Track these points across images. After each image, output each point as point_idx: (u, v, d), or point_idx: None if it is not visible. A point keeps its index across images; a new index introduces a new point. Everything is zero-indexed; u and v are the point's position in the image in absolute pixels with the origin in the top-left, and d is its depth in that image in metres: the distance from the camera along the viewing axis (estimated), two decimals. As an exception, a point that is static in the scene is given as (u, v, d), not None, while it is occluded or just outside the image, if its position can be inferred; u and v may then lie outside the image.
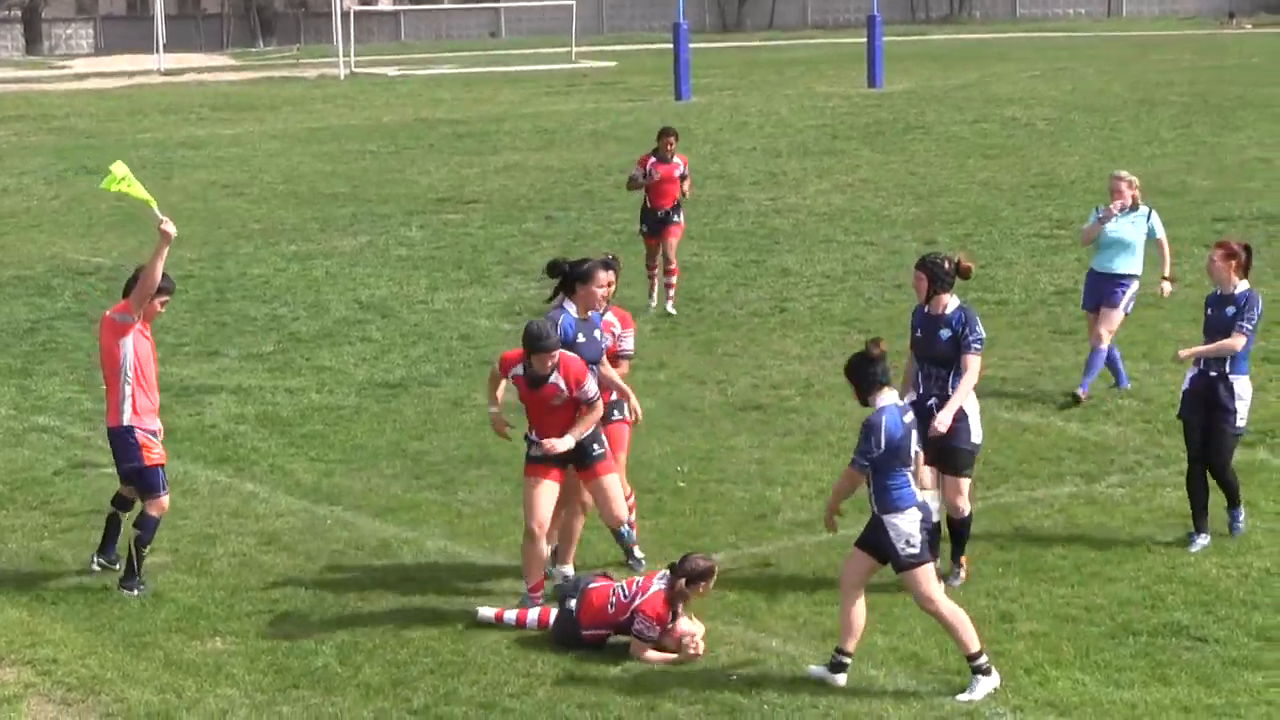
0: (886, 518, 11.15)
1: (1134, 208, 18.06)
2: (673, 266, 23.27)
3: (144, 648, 12.19)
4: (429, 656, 11.89)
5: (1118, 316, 18.18)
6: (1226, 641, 11.69)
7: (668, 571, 12.07)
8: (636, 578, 12.35)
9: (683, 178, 23.35)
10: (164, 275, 13.51)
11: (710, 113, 50.13)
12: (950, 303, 13.04)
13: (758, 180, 35.60)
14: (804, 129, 45.03)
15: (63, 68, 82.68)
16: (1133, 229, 18.09)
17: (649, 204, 23.30)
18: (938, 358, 13.00)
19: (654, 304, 23.10)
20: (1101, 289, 18.18)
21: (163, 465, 13.38)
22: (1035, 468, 15.82)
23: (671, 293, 23.09)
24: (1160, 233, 18.21)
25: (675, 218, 23.24)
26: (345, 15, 76.25)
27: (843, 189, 33.97)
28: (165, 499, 13.37)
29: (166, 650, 12.14)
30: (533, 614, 12.41)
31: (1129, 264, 18.14)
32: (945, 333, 12.99)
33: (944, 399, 12.92)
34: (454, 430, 17.62)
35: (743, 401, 18.32)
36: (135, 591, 13.11)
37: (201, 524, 14.85)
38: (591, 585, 12.18)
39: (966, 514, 13.07)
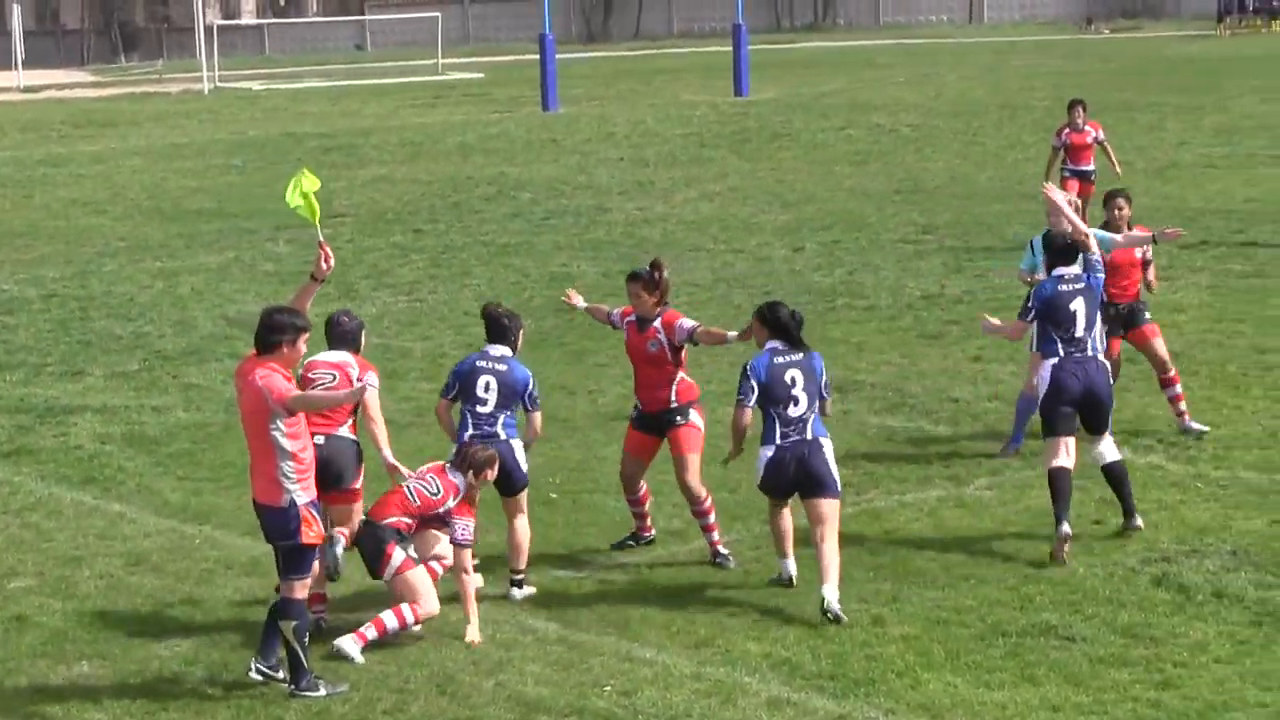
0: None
1: None
2: None
3: (8, 674, 12.00)
4: (301, 675, 11.78)
5: None
6: (1094, 640, 11.80)
7: (453, 470, 12.55)
8: (428, 480, 12.51)
9: None
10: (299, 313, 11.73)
11: (578, 123, 50.17)
12: None
13: (626, 190, 35.66)
14: (671, 138, 45.15)
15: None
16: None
17: None
18: None
19: None
20: None
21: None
22: (904, 472, 15.92)
23: None
24: (1114, 237, 16.19)
25: None
26: (208, 29, 75.74)
27: (710, 197, 34.09)
28: None
29: (31, 676, 11.96)
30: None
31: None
32: None
33: None
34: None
35: (614, 411, 18.32)
36: None
37: (67, 546, 14.67)
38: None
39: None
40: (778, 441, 12.83)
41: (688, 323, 13.76)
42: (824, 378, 13.03)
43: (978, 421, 17.47)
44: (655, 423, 13.79)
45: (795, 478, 12.84)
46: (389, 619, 12.18)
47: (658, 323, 13.81)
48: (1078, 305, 13.80)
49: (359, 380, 12.46)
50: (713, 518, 13.73)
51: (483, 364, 13.14)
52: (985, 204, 31.84)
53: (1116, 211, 16.65)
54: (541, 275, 26.36)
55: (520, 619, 12.62)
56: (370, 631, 12.12)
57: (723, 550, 13.71)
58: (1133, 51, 72.07)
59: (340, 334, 13.22)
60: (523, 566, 13.18)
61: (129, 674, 11.92)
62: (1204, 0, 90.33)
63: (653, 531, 14.25)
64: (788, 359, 12.89)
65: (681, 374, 13.77)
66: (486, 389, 13.04)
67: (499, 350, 13.24)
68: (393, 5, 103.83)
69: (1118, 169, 27.35)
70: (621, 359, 20.70)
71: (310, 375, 12.83)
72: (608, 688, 11.36)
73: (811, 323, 22.14)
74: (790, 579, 13.06)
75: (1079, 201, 18.29)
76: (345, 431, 12.71)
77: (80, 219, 34.57)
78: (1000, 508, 14.74)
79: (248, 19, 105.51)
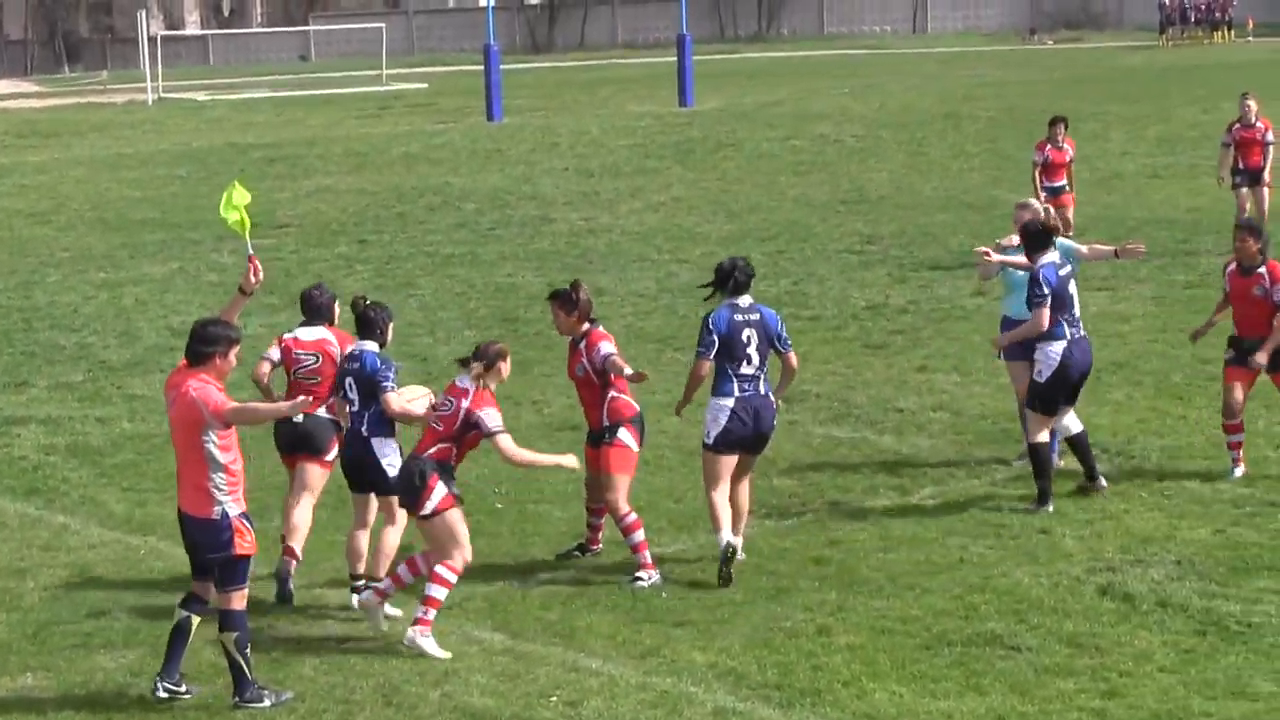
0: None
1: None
2: None
3: (-47, 686, 11.94)
4: (246, 686, 11.74)
5: None
6: (1039, 650, 11.84)
7: (465, 374, 12.54)
8: (442, 401, 12.59)
9: None
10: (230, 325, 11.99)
11: (522, 133, 50.16)
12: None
13: (571, 200, 35.67)
14: (616, 148, 45.19)
15: None
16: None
17: None
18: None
19: None
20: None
21: None
22: (850, 481, 15.96)
23: None
24: (1079, 249, 15.78)
25: None
26: (152, 40, 75.46)
27: (655, 208, 34.12)
28: None
29: (-24, 688, 11.90)
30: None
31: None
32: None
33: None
34: (269, 456, 17.42)
35: (559, 422, 18.31)
36: None
37: (11, 558, 14.59)
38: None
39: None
40: (736, 394, 13.36)
41: (605, 348, 13.63)
42: (782, 331, 13.61)
43: (923, 431, 17.52)
44: (596, 439, 13.80)
45: (751, 433, 13.37)
46: (438, 591, 12.25)
47: (583, 344, 13.77)
48: (1074, 288, 14.91)
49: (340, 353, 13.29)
50: (639, 535, 13.54)
51: (345, 363, 13.23)
52: (930, 214, 31.94)
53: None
54: (486, 286, 26.35)
55: (466, 629, 12.60)
56: (430, 614, 12.20)
57: (642, 576, 13.45)
58: (1076, 62, 72.43)
59: (314, 308, 13.89)
60: (382, 574, 12.91)
61: (74, 685, 11.86)
62: (1146, 12, 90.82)
63: (600, 546, 14.23)
64: (745, 317, 13.42)
65: (613, 393, 13.68)
66: (350, 389, 13.10)
67: (362, 345, 13.22)
68: (337, 16, 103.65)
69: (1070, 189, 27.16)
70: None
71: (295, 357, 13.60)
72: (554, 698, 11.35)
73: (757, 333, 22.26)
74: (734, 550, 13.27)
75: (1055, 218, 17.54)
76: (323, 412, 13.46)
77: (24, 229, 34.41)
78: (945, 517, 14.78)
79: (192, 30, 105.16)
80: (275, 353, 13.83)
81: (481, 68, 58.83)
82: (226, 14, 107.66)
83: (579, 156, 43.63)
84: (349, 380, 13.07)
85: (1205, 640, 11.93)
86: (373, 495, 13.21)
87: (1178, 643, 11.88)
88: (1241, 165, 26.97)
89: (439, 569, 12.26)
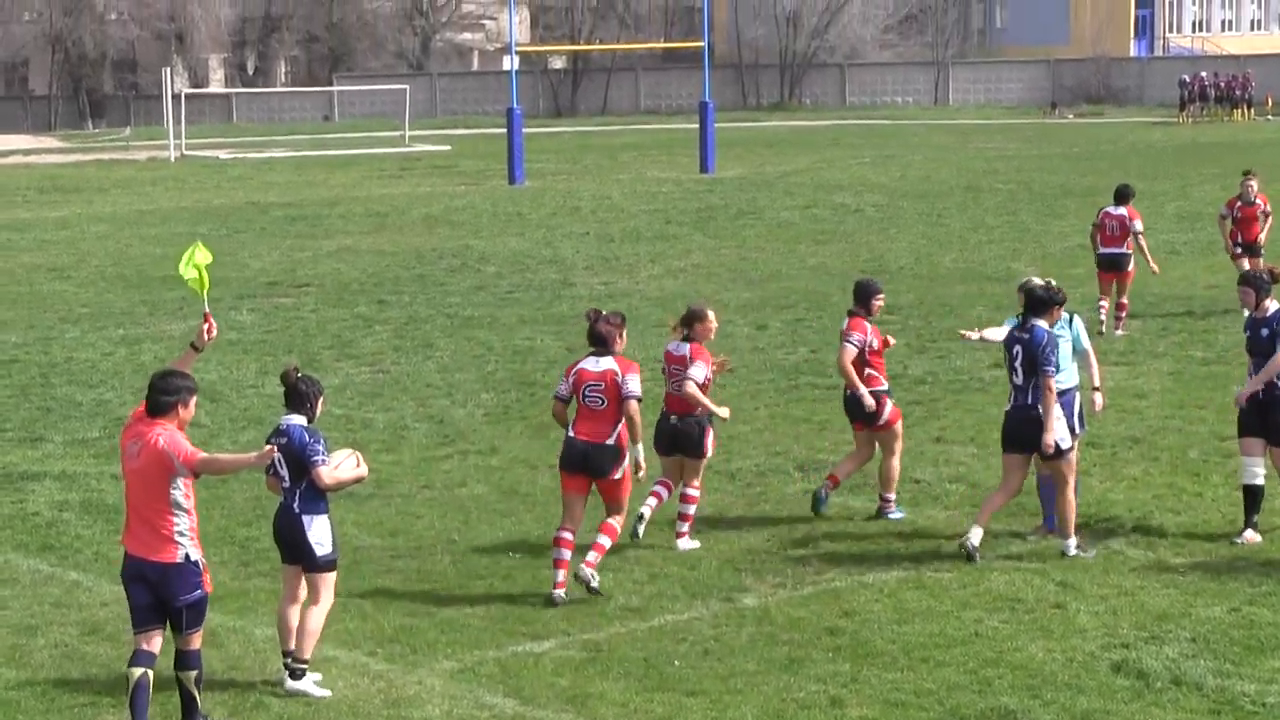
0: None
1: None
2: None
3: (-39, 742, 11.92)
4: (255, 748, 11.72)
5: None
6: (1053, 725, 11.79)
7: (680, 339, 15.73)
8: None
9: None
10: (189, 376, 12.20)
11: (544, 197, 50.29)
12: (1271, 307, 15.83)
13: (591, 265, 35.71)
14: (637, 214, 45.28)
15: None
16: (1061, 340, 16.04)
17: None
18: (1262, 351, 15.73)
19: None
20: None
21: None
22: (865, 552, 15.91)
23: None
24: (1085, 342, 16.45)
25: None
26: (176, 97, 75.80)
27: (675, 274, 34.16)
28: None
29: (-16, 744, 11.88)
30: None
31: (1066, 378, 16.01)
32: (1265, 331, 15.73)
33: (1271, 388, 15.67)
34: (283, 517, 17.42)
35: (575, 487, 18.26)
36: None
37: (22, 614, 14.57)
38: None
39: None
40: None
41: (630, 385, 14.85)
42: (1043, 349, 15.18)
43: (938, 503, 17.47)
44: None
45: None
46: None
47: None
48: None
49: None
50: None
51: (273, 439, 12.77)
52: (948, 285, 31.94)
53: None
54: (505, 348, 26.36)
55: (477, 694, 12.56)
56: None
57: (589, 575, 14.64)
58: (1096, 137, 72.55)
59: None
60: (307, 656, 12.72)
61: (82, 744, 11.83)
62: (1167, 89, 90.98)
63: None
64: (1016, 334, 15.44)
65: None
66: (280, 465, 12.72)
67: (289, 420, 12.78)
68: (361, 77, 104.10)
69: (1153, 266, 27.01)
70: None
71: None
72: (565, 765, 11.31)
73: (774, 400, 22.26)
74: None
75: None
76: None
77: (44, 284, 34.50)
78: (960, 590, 14.73)
79: (215, 88, 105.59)
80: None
81: (504, 130, 59.02)
82: (251, 73, 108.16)
83: (600, 221, 43.71)
84: (278, 458, 12.62)
85: (1219, 719, 11.86)
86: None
87: (1192, 721, 11.83)
88: (1241, 239, 28.02)
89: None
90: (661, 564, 15.42)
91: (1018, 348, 15.47)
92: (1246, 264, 27.28)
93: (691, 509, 15.99)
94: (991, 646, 13.33)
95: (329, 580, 12.71)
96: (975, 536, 15.43)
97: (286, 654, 12.77)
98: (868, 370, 16.79)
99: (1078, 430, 16.16)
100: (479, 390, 23.29)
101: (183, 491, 11.61)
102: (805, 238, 39.35)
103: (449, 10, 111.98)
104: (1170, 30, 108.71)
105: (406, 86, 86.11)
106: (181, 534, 11.61)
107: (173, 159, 69.74)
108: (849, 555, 15.82)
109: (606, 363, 14.74)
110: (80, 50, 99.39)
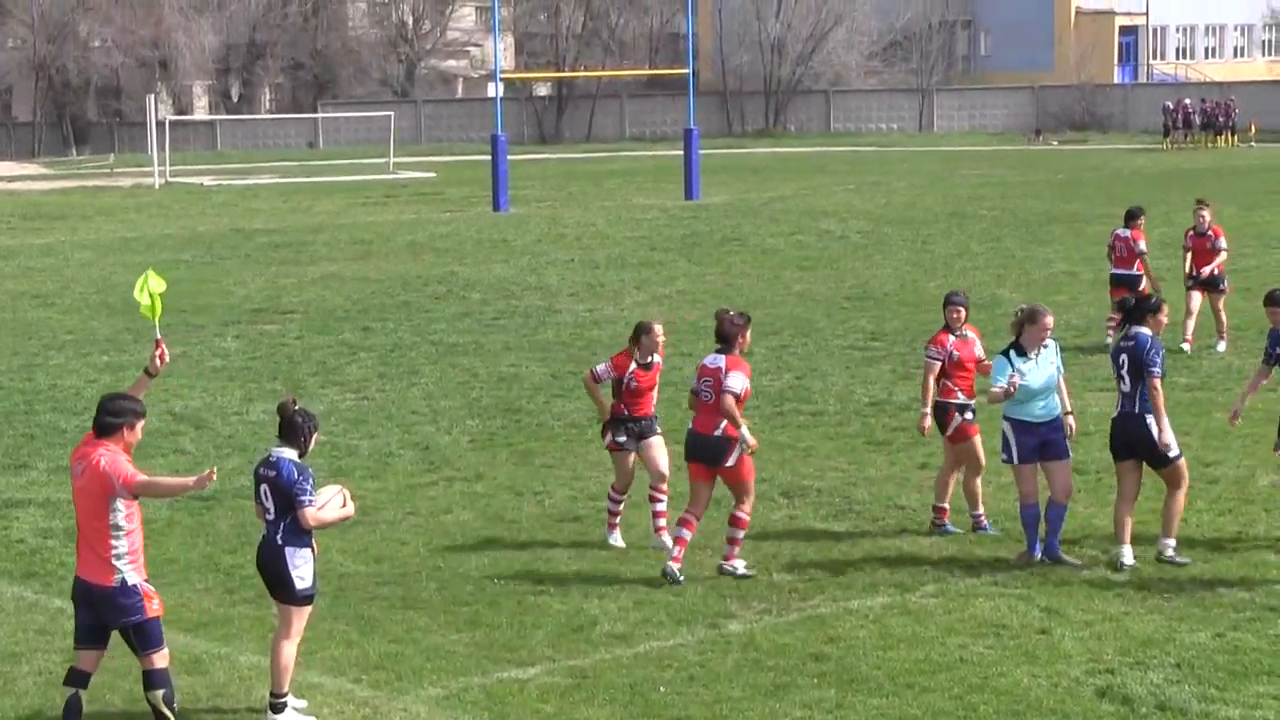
0: None
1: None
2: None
3: (-55, 770, 11.89)
4: (240, 775, 11.70)
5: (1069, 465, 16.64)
6: (1038, 751, 11.79)
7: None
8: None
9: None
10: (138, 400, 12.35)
11: (528, 224, 50.33)
12: None
13: (575, 291, 35.74)
14: (621, 240, 45.32)
15: None
16: (1050, 366, 16.22)
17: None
18: None
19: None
20: (1044, 439, 16.25)
21: None
22: (850, 578, 15.91)
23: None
24: (1061, 368, 16.46)
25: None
26: (160, 124, 75.76)
27: (660, 300, 34.19)
28: None
29: (-32, 772, 11.85)
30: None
31: (1055, 405, 16.25)
32: None
33: None
34: (268, 543, 17.39)
35: (560, 513, 18.29)
36: None
37: (6, 641, 14.54)
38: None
39: None
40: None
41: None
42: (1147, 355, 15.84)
43: (924, 529, 17.48)
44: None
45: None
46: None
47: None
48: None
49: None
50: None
51: (261, 469, 12.66)
52: (934, 312, 31.79)
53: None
54: (490, 375, 26.36)
55: (463, 721, 12.55)
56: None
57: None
58: (1080, 164, 72.71)
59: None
60: (284, 690, 12.61)
61: (66, 772, 11.80)
62: (1150, 115, 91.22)
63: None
64: (1122, 343, 15.86)
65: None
66: (266, 496, 12.59)
67: (280, 452, 12.62)
68: (346, 104, 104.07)
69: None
70: (569, 461, 20.73)
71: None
72: (550, 792, 11.29)
73: (758, 427, 22.24)
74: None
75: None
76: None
77: (27, 312, 34.47)
78: (945, 615, 14.74)
79: (200, 115, 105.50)
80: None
81: (489, 157, 59.06)
82: (235, 100, 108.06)
83: (584, 248, 43.75)
84: (264, 488, 12.55)
85: (1205, 745, 11.88)
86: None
87: (1177, 747, 11.83)
88: (1193, 270, 27.54)
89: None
90: (647, 590, 15.42)
91: (1123, 356, 15.89)
92: (1197, 297, 27.29)
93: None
94: (976, 672, 13.34)
95: (303, 614, 12.64)
96: (1127, 555, 15.71)
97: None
98: (945, 382, 17.27)
99: (1069, 455, 16.25)
100: (464, 417, 23.29)
101: (123, 514, 11.69)
102: (790, 264, 39.40)
103: (433, 37, 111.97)
104: (1154, 57, 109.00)
105: (391, 113, 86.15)
106: (119, 557, 11.69)
107: (157, 186, 69.71)
108: (834, 581, 15.82)
109: (722, 359, 15.55)
110: (64, 77, 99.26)
